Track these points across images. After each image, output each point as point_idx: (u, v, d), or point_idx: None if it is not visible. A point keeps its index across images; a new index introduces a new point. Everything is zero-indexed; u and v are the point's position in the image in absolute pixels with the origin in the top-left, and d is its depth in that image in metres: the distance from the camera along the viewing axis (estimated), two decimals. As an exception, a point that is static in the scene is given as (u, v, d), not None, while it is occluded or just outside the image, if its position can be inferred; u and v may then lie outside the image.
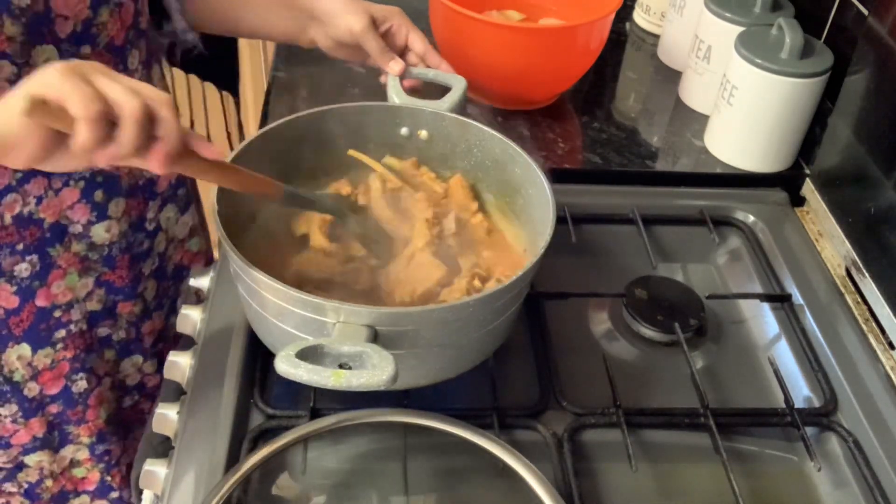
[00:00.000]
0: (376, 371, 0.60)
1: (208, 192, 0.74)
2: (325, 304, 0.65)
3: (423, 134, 0.89)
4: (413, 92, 0.94)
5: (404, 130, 0.88)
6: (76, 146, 0.57)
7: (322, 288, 0.75)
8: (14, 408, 0.97)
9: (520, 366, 0.80)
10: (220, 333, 0.82)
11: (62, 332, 0.95)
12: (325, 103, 1.11)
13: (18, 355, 0.94)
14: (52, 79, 0.57)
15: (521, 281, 0.71)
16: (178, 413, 0.76)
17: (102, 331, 1.00)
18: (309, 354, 0.62)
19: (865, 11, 0.95)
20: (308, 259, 0.80)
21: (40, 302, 0.92)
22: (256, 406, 0.77)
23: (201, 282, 0.88)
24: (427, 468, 0.74)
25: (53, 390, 0.98)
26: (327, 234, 0.82)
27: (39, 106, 0.56)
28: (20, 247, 0.87)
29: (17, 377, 0.95)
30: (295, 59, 1.21)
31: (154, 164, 0.60)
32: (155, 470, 0.73)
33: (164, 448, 0.75)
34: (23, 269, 0.88)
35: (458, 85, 0.92)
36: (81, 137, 0.57)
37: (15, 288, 0.89)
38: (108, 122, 0.58)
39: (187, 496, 0.69)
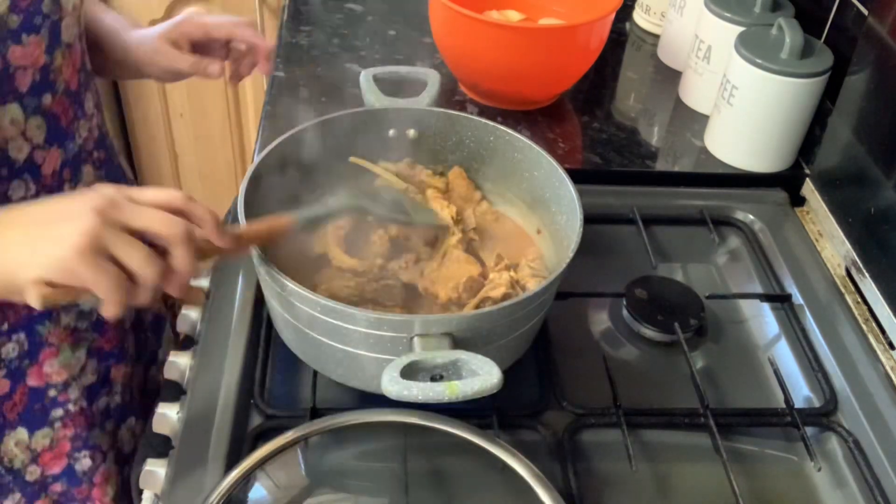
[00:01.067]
0: (484, 376, 0.61)
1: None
2: (404, 320, 0.66)
3: (412, 133, 0.89)
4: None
5: (392, 132, 0.88)
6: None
7: (355, 305, 0.75)
8: (17, 496, 0.92)
9: (520, 366, 0.80)
10: (220, 333, 0.82)
11: (59, 412, 0.90)
12: (325, 103, 1.11)
13: (16, 441, 0.88)
14: (70, 264, 0.56)
15: (572, 262, 0.73)
16: (178, 413, 0.76)
17: (102, 402, 0.95)
18: (405, 372, 0.62)
19: (865, 11, 0.95)
20: (337, 278, 0.79)
21: (32, 382, 0.86)
22: (256, 406, 0.77)
23: (201, 282, 0.88)
24: (427, 468, 0.74)
25: (56, 469, 0.93)
26: (346, 249, 0.82)
27: (50, 297, 0.57)
28: (4, 327, 0.82)
29: (17, 464, 0.90)
30: (295, 59, 1.21)
31: (174, 291, 0.61)
32: (155, 470, 0.72)
33: (164, 448, 0.75)
34: (10, 349, 0.83)
35: (432, 79, 0.92)
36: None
37: (4, 371, 0.84)
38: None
39: (187, 496, 0.69)
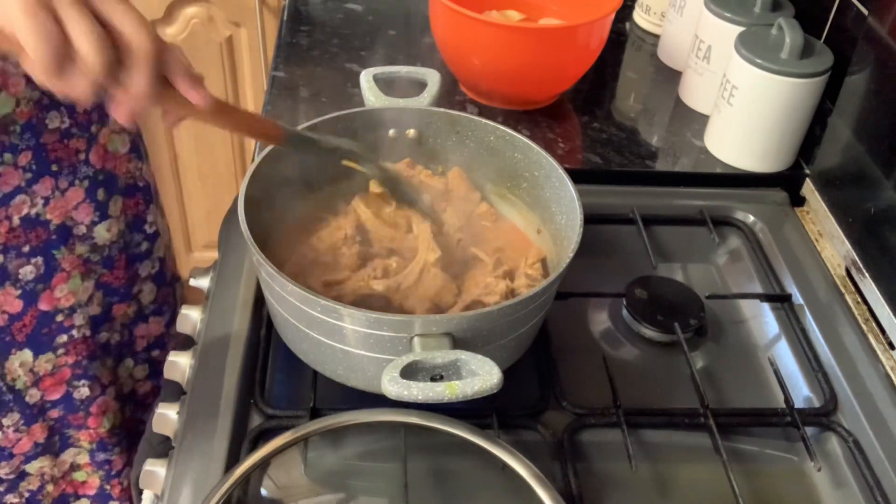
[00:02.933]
0: (484, 376, 0.61)
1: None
2: (404, 320, 0.66)
3: (412, 133, 0.89)
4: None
5: (392, 132, 0.88)
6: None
7: None
8: (16, 416, 0.96)
9: (520, 366, 0.80)
10: (220, 333, 0.82)
11: (64, 338, 0.94)
12: (325, 103, 1.11)
13: (20, 362, 0.93)
14: (13, 9, 0.50)
15: (572, 262, 0.73)
16: (178, 413, 0.76)
17: (103, 336, 1.00)
18: (405, 372, 0.62)
19: (865, 11, 0.95)
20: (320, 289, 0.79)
21: (43, 306, 0.91)
22: (256, 406, 0.77)
23: (201, 282, 0.88)
24: (427, 468, 0.74)
25: (55, 396, 0.98)
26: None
27: None
28: (26, 249, 0.87)
29: (18, 385, 0.94)
30: (295, 59, 1.21)
31: (119, 114, 0.56)
32: (155, 470, 0.72)
33: (164, 448, 0.75)
34: (28, 271, 0.88)
35: (433, 79, 0.92)
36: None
37: (19, 291, 0.89)
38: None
39: (187, 496, 0.69)
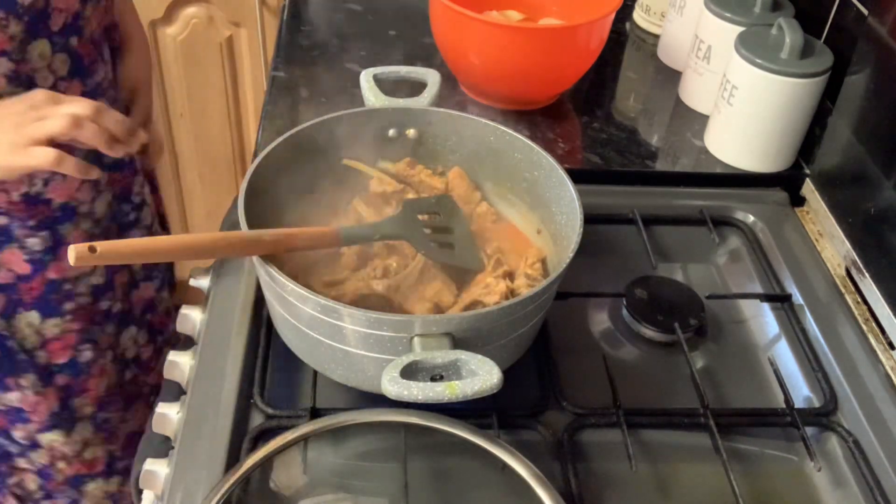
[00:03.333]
0: (484, 376, 0.62)
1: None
2: (404, 320, 0.66)
3: (412, 133, 0.89)
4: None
5: (392, 132, 0.88)
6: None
7: None
8: (32, 377, 1.01)
9: (520, 366, 0.80)
10: (220, 333, 0.82)
11: (71, 304, 0.99)
12: (325, 103, 1.12)
13: (27, 322, 0.98)
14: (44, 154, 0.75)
15: (572, 262, 0.73)
16: (178, 413, 0.76)
17: (104, 304, 1.05)
18: (405, 372, 0.62)
19: (865, 11, 0.95)
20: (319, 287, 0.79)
21: (51, 274, 0.96)
22: (256, 406, 0.77)
23: (201, 282, 0.88)
24: (427, 468, 0.74)
25: (61, 360, 1.02)
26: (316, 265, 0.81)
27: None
28: (31, 223, 0.93)
29: (28, 345, 0.99)
30: (295, 59, 1.21)
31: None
32: (155, 470, 0.73)
33: (164, 448, 0.75)
34: (35, 242, 0.93)
35: (433, 79, 0.92)
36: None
37: (27, 257, 0.94)
38: None
39: (187, 496, 0.69)
